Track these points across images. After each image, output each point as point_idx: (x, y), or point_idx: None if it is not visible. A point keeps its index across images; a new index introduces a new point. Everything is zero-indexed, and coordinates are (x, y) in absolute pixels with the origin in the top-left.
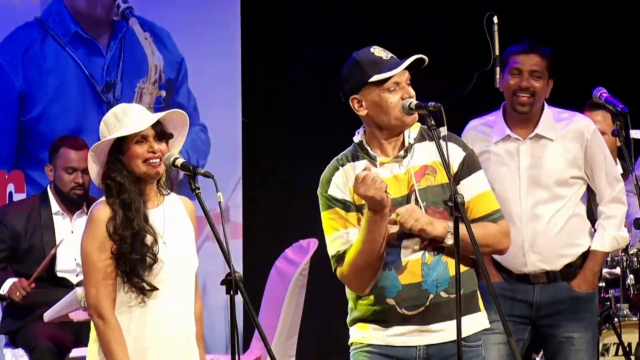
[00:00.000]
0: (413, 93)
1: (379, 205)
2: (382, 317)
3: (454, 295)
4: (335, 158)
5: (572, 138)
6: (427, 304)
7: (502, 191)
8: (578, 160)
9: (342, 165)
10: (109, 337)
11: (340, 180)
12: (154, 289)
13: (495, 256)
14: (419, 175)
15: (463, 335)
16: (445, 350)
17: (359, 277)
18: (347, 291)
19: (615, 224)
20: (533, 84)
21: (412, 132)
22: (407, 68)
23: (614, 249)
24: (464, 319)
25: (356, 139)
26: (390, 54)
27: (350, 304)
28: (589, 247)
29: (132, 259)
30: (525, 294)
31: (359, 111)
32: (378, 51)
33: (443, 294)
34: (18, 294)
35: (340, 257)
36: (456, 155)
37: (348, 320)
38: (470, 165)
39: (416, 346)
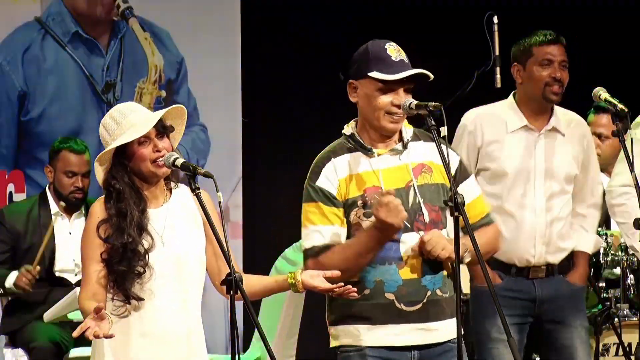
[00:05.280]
0: (403, 101)
1: (393, 232)
2: (378, 314)
3: (447, 295)
4: (327, 149)
5: (577, 137)
6: (425, 300)
7: (517, 181)
8: (579, 159)
9: (335, 157)
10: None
11: (331, 172)
12: (138, 299)
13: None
14: (416, 171)
15: (453, 336)
16: (435, 350)
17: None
18: None
19: (595, 228)
20: (563, 74)
21: (408, 130)
22: (411, 79)
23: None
24: (451, 320)
25: (347, 131)
26: (400, 56)
27: (332, 301)
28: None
29: (119, 270)
30: (527, 291)
31: (351, 97)
32: (391, 49)
33: (438, 292)
34: (24, 279)
35: (316, 252)
36: (453, 159)
37: (331, 318)
38: (464, 170)
39: (411, 350)
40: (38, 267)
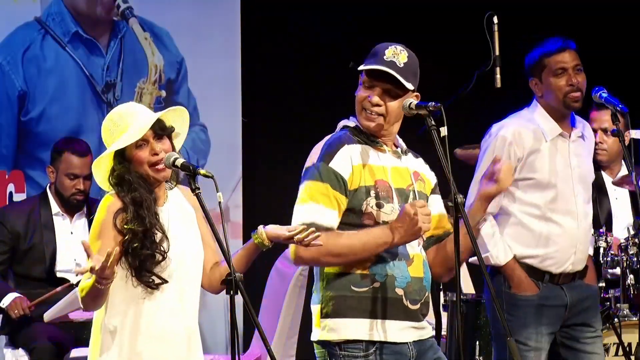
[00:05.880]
0: (375, 101)
1: (413, 236)
2: (386, 309)
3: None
4: (336, 138)
5: (592, 141)
6: (422, 300)
7: (559, 189)
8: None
9: (348, 144)
10: None
11: (347, 157)
12: (164, 281)
13: (540, 255)
14: (414, 177)
15: (432, 334)
16: (424, 344)
17: (317, 259)
18: (327, 278)
19: None
20: (579, 80)
21: (399, 139)
22: (392, 83)
23: None
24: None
25: (350, 123)
26: (394, 58)
27: (331, 292)
28: None
29: (143, 254)
30: (560, 297)
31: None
32: (390, 50)
33: (429, 294)
34: (16, 311)
35: (317, 229)
36: (431, 174)
37: (326, 310)
38: (437, 187)
39: (408, 343)
40: (33, 307)
